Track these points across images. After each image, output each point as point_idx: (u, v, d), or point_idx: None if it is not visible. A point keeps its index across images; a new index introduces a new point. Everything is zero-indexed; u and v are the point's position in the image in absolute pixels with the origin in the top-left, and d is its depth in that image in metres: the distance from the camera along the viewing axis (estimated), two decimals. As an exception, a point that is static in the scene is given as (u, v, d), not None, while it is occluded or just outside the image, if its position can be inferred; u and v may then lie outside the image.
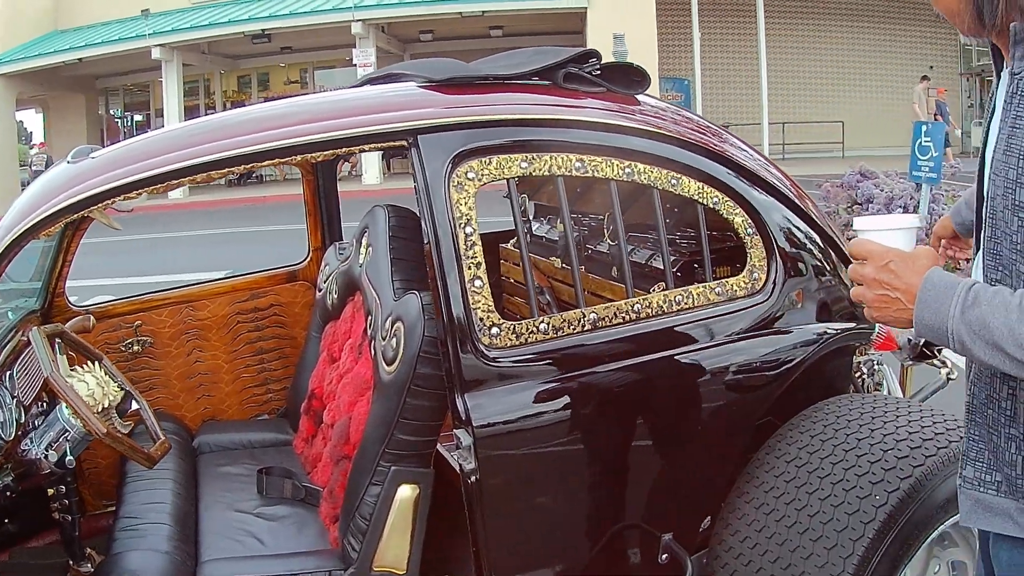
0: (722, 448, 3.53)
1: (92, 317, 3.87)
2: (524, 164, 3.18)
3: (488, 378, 3.07)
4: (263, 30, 29.34)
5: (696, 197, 3.44)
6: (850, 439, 3.32)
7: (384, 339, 3.35)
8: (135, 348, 4.54)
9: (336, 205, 5.02)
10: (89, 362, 3.44)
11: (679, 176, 3.40)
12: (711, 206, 3.46)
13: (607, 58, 3.55)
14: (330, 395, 3.98)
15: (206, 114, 35.28)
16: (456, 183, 3.08)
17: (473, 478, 3.03)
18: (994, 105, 2.16)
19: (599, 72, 3.47)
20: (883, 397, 3.70)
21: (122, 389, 3.35)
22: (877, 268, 2.10)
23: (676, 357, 3.38)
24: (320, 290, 4.63)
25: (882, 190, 12.07)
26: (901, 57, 36.11)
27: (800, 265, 3.63)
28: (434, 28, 31.13)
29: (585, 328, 3.24)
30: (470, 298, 3.05)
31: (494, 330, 3.09)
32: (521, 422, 3.10)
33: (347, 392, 3.72)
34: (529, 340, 3.15)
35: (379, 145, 3.22)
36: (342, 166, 24.85)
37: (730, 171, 3.50)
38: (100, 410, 3.14)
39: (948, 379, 4.25)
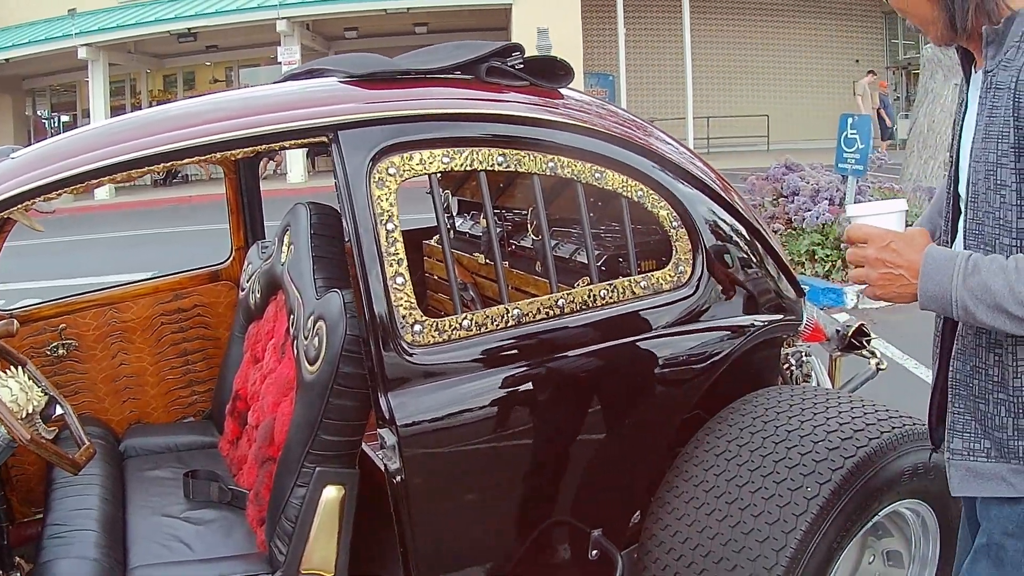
0: (650, 443, 3.52)
1: (16, 321, 3.71)
2: (446, 159, 3.14)
3: (411, 376, 3.03)
4: (189, 29, 29.01)
5: (620, 190, 3.42)
6: (779, 431, 3.32)
7: (307, 338, 3.30)
8: (60, 352, 4.45)
9: (259, 203, 4.96)
10: (12, 367, 3.35)
11: (603, 169, 3.37)
12: (635, 199, 3.44)
13: (531, 53, 3.53)
14: (254, 396, 3.92)
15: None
16: (377, 179, 3.03)
17: (398, 478, 2.99)
18: (966, 103, 2.43)
19: (522, 66, 3.43)
20: (812, 388, 3.74)
21: (46, 394, 3.28)
22: (879, 249, 2.31)
23: (601, 352, 3.36)
24: (243, 290, 4.56)
25: (808, 182, 12.13)
26: (827, 51, 36.42)
27: (726, 257, 3.63)
28: (359, 25, 30.90)
29: (508, 324, 3.21)
30: (392, 295, 3.01)
31: (416, 327, 3.05)
32: (445, 420, 3.07)
33: (271, 393, 3.66)
34: (452, 337, 3.12)
35: (299, 142, 3.13)
36: (267, 165, 24.68)
37: (655, 164, 3.49)
38: (24, 416, 3.07)
39: (878, 369, 4.28)
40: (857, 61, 36.36)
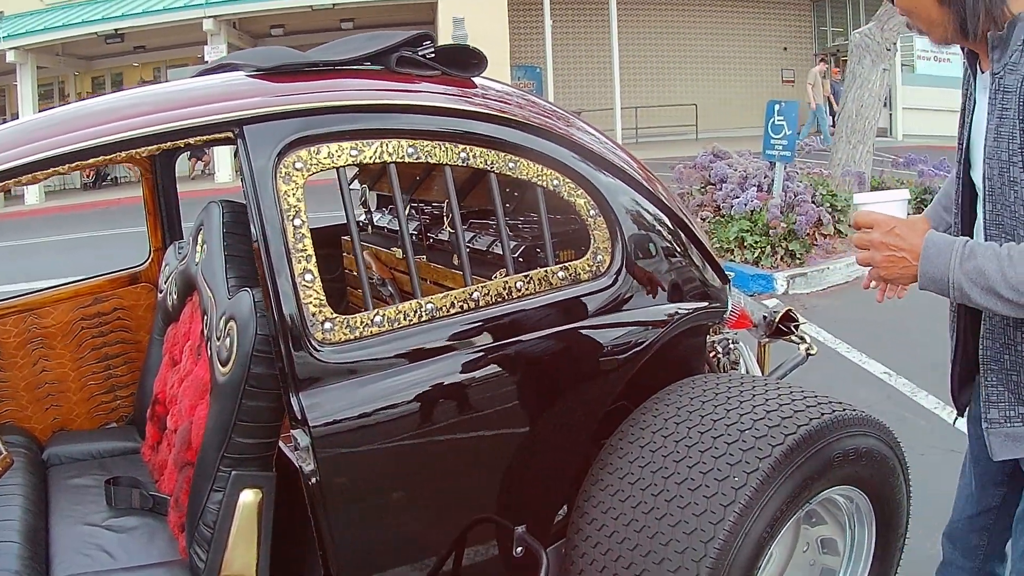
0: (573, 436, 3.48)
1: None
2: (354, 152, 3.06)
3: (323, 375, 2.95)
4: (115, 30, 28.72)
5: (535, 180, 3.37)
6: (705, 420, 3.28)
7: (219, 339, 3.21)
8: None
9: (176, 203, 4.86)
10: None
11: (517, 159, 3.32)
12: (551, 188, 3.39)
13: (447, 42, 3.49)
14: (172, 400, 3.82)
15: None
16: (284, 174, 2.94)
17: (313, 480, 2.91)
18: (974, 101, 2.69)
19: (433, 55, 3.37)
20: (739, 376, 3.68)
21: None
22: (884, 233, 2.57)
23: (518, 345, 3.30)
24: (161, 291, 4.46)
25: (735, 170, 12.18)
26: (755, 39, 36.67)
27: (648, 246, 3.59)
28: (285, 22, 30.73)
29: (422, 319, 3.14)
30: (301, 293, 2.93)
31: (327, 325, 2.97)
32: (359, 419, 2.99)
33: (188, 396, 3.55)
34: (364, 334, 3.04)
35: (205, 138, 3.00)
36: (195, 165, 24.44)
37: (573, 153, 3.44)
38: None
39: (808, 355, 4.25)
40: (785, 48, 36.67)
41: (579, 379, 3.47)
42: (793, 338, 4.25)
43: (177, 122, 2.96)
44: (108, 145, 2.90)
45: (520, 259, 3.73)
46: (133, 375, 4.74)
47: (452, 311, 3.20)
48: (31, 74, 29.90)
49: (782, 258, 11.08)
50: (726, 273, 3.98)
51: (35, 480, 3.99)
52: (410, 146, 3.14)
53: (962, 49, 2.71)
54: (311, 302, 2.94)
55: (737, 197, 11.58)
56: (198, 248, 3.84)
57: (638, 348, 3.53)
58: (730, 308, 3.94)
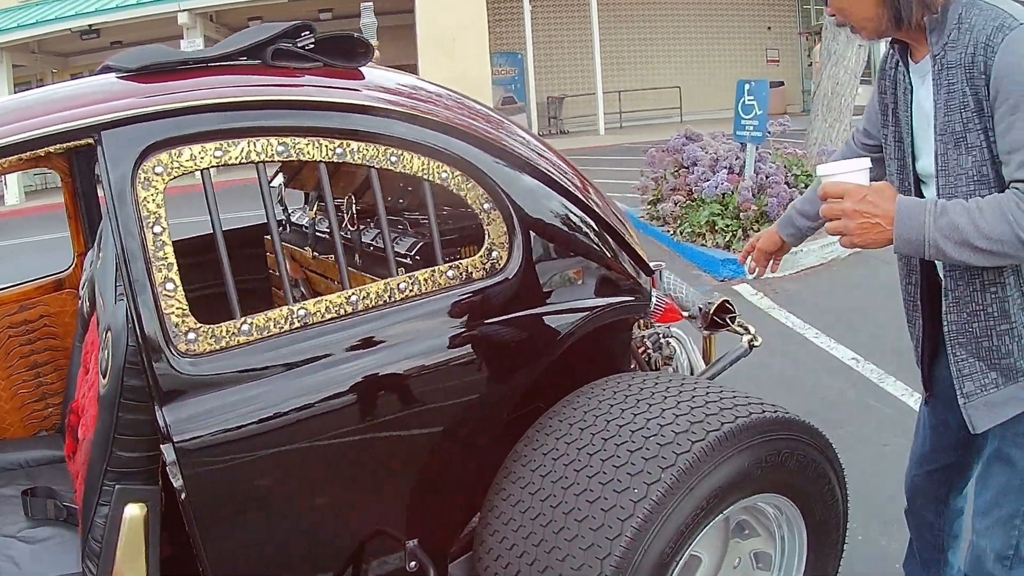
0: (471, 444, 3.31)
1: None
2: (219, 153, 2.90)
3: (186, 388, 2.80)
4: (90, 25, 28.63)
5: (421, 173, 3.19)
6: (611, 425, 3.10)
7: (102, 349, 3.10)
8: None
9: (97, 207, 4.72)
10: None
11: (400, 152, 3.15)
12: (438, 181, 3.22)
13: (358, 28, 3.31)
14: (83, 409, 3.70)
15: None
16: (143, 180, 2.80)
17: (183, 496, 2.77)
18: (910, 90, 2.89)
19: (313, 47, 3.20)
20: (659, 375, 3.47)
21: None
22: (856, 201, 2.61)
23: (401, 351, 3.13)
24: (79, 298, 4.35)
25: (707, 152, 12.04)
26: (738, 19, 36.63)
27: (553, 241, 3.43)
28: (263, 14, 30.52)
29: (294, 327, 2.98)
30: (162, 303, 2.78)
31: (191, 335, 2.82)
32: (226, 434, 2.83)
33: (91, 406, 3.42)
34: (230, 344, 2.89)
35: (64, 145, 2.86)
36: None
37: (466, 143, 3.26)
38: None
39: (751, 346, 4.07)
40: (769, 28, 36.59)
41: (473, 384, 3.29)
42: (737, 329, 4.08)
43: (34, 131, 2.82)
44: None
45: (417, 257, 3.59)
46: (63, 382, 4.67)
47: (327, 317, 3.04)
48: (6, 72, 29.92)
49: (753, 242, 10.88)
50: (649, 265, 3.80)
51: None
52: (280, 144, 2.98)
53: (892, 43, 2.91)
54: (173, 312, 2.81)
55: (707, 180, 11.44)
56: (98, 255, 3.66)
57: (544, 348, 3.37)
58: (654, 302, 3.75)
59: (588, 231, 3.53)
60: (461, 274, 3.25)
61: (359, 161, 3.10)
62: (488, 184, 3.28)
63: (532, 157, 3.45)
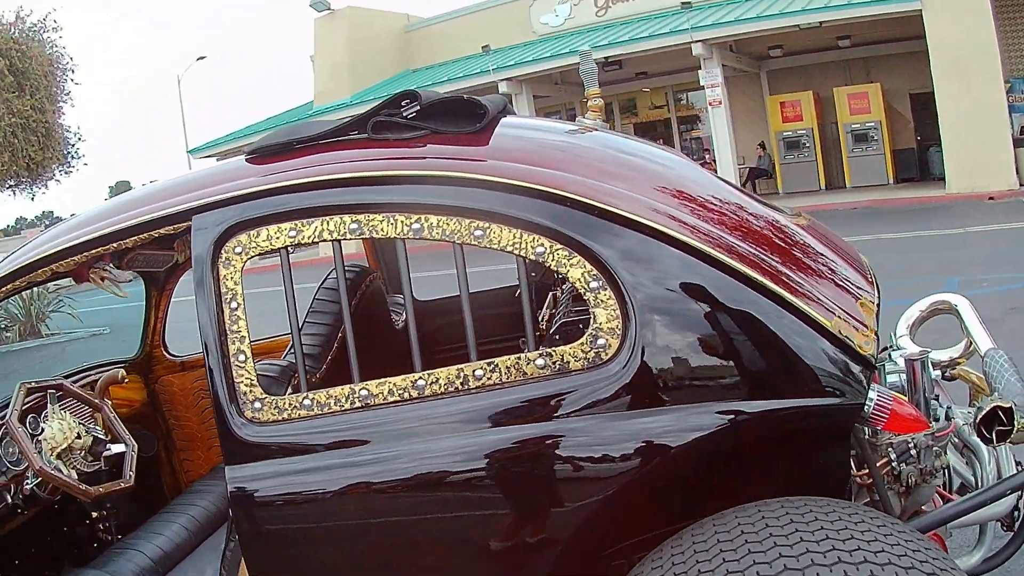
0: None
1: (122, 371, 4.19)
2: (293, 232, 3.04)
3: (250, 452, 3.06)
4: (606, 58, 29.30)
5: (511, 248, 2.92)
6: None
7: None
8: None
9: None
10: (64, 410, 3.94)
11: (487, 225, 2.92)
12: (533, 258, 2.93)
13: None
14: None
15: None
16: (224, 259, 3.05)
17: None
18: None
19: (414, 114, 3.15)
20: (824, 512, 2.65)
21: (89, 434, 3.83)
22: None
23: (471, 444, 2.91)
24: None
25: None
26: None
27: (684, 324, 2.90)
28: (783, 43, 30.31)
29: (354, 406, 2.98)
30: (234, 372, 3.06)
31: (256, 404, 3.02)
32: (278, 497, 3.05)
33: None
34: (292, 416, 3.01)
35: (161, 232, 3.27)
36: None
37: (568, 209, 2.93)
38: (60, 451, 3.72)
39: None
40: None
41: (548, 500, 2.98)
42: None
43: (138, 218, 3.27)
44: (65, 250, 3.37)
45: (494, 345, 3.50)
46: None
47: (389, 399, 2.97)
48: (527, 102, 31.67)
49: None
50: (865, 356, 2.90)
51: None
52: (353, 221, 3.01)
53: None
54: (243, 381, 3.03)
55: None
56: None
57: (653, 465, 2.84)
58: (871, 405, 2.87)
59: (744, 309, 2.90)
60: (553, 364, 2.91)
61: (437, 237, 2.96)
62: (594, 258, 2.89)
63: (680, 218, 3.00)
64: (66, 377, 4.55)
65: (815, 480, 2.93)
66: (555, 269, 2.95)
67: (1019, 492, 3.10)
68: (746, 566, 2.42)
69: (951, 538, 3.25)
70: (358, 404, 2.97)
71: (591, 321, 2.91)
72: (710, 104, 29.14)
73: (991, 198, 22.78)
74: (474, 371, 2.93)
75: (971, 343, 3.48)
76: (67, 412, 3.84)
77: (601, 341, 2.88)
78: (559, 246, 2.91)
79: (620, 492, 2.84)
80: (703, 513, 2.75)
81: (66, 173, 36.24)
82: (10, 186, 34.49)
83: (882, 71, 30.40)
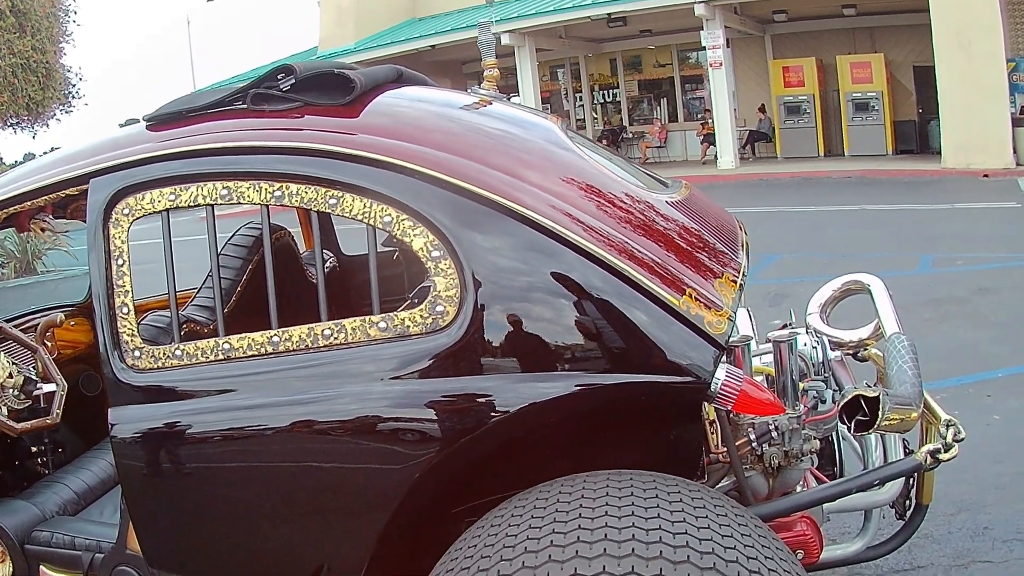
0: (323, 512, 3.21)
1: (61, 315, 4.26)
2: (172, 197, 3.31)
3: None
4: (610, 14, 29.26)
5: (361, 217, 3.10)
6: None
7: None
8: None
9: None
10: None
11: (341, 195, 3.12)
12: (381, 227, 3.09)
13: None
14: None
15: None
16: (114, 220, 3.35)
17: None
18: None
19: (290, 87, 3.37)
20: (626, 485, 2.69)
21: (20, 374, 3.94)
22: None
23: (312, 400, 3.11)
24: None
25: None
26: None
27: (525, 298, 3.00)
28: (788, 7, 30.13)
29: (218, 358, 3.24)
30: (118, 322, 3.36)
31: (136, 352, 3.34)
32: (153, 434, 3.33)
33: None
34: (165, 365, 3.31)
35: (62, 194, 3.59)
36: (706, 149, 24.43)
37: (416, 179, 3.08)
38: None
39: (934, 459, 3.00)
40: None
41: (385, 457, 3.05)
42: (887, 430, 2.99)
43: (47, 180, 3.58)
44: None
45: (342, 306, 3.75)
46: None
47: (248, 353, 3.21)
48: (529, 55, 31.71)
49: None
50: (714, 336, 2.93)
51: None
52: (224, 188, 3.24)
53: None
54: (125, 331, 3.35)
55: None
56: None
57: (466, 429, 2.97)
58: (718, 384, 2.89)
59: (599, 284, 2.96)
60: (395, 327, 3.08)
61: (295, 204, 3.18)
62: (437, 230, 3.04)
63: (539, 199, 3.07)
64: (12, 319, 4.88)
65: (669, 455, 3.05)
66: (400, 238, 3.09)
67: (906, 479, 3.22)
68: (546, 534, 2.50)
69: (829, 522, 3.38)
70: (221, 356, 3.24)
71: (431, 288, 3.05)
72: (711, 65, 29.13)
73: (986, 175, 22.74)
74: (323, 331, 3.15)
75: (879, 326, 3.56)
76: (2, 353, 4.01)
77: (440, 308, 3.04)
78: (404, 216, 3.07)
79: (453, 454, 2.99)
80: (546, 479, 2.85)
81: (66, 112, 36.83)
82: (11, 124, 35.10)
83: (887, 41, 30.14)
